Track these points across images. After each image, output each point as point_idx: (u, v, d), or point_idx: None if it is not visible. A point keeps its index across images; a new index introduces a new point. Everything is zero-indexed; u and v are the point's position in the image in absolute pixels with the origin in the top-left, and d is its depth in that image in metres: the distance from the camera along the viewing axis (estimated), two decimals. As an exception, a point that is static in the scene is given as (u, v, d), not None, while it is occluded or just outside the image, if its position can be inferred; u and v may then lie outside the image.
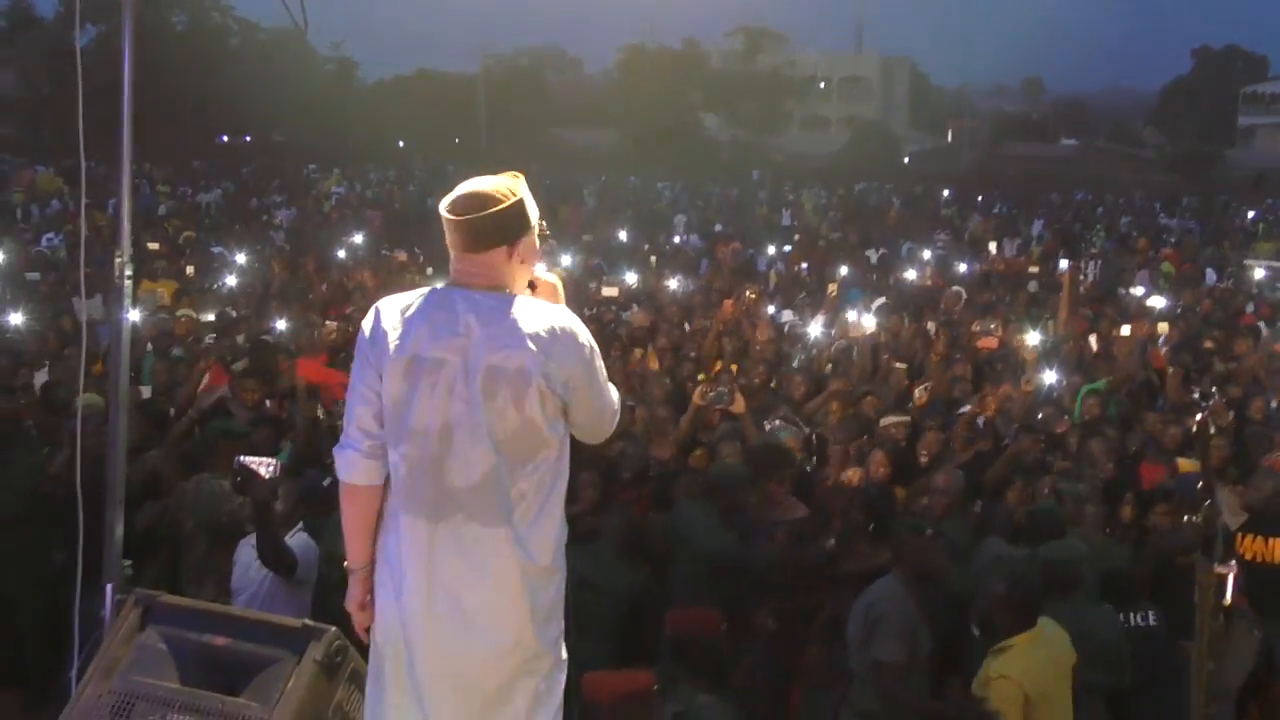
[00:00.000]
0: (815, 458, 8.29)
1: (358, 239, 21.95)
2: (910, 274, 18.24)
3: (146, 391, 9.18)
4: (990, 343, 11.93)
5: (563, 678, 3.59)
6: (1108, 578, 6.35)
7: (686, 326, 12.64)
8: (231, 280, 15.83)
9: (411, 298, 3.44)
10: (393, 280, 15.43)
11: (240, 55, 61.46)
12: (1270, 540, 6.79)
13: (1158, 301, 15.26)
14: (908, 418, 8.67)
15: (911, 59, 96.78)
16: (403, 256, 18.94)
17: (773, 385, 9.90)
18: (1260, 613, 6.19)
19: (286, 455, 7.64)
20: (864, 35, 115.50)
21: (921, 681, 5.58)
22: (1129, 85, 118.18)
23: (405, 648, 3.40)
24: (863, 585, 6.11)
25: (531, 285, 3.52)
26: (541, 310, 3.39)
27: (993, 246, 23.84)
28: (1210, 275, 20.62)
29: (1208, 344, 12.23)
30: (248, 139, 62.43)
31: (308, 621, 4.17)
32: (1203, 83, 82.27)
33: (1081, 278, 16.37)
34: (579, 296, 13.44)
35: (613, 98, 73.03)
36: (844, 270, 18.36)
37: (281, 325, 11.99)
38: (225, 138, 61.62)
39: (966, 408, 9.05)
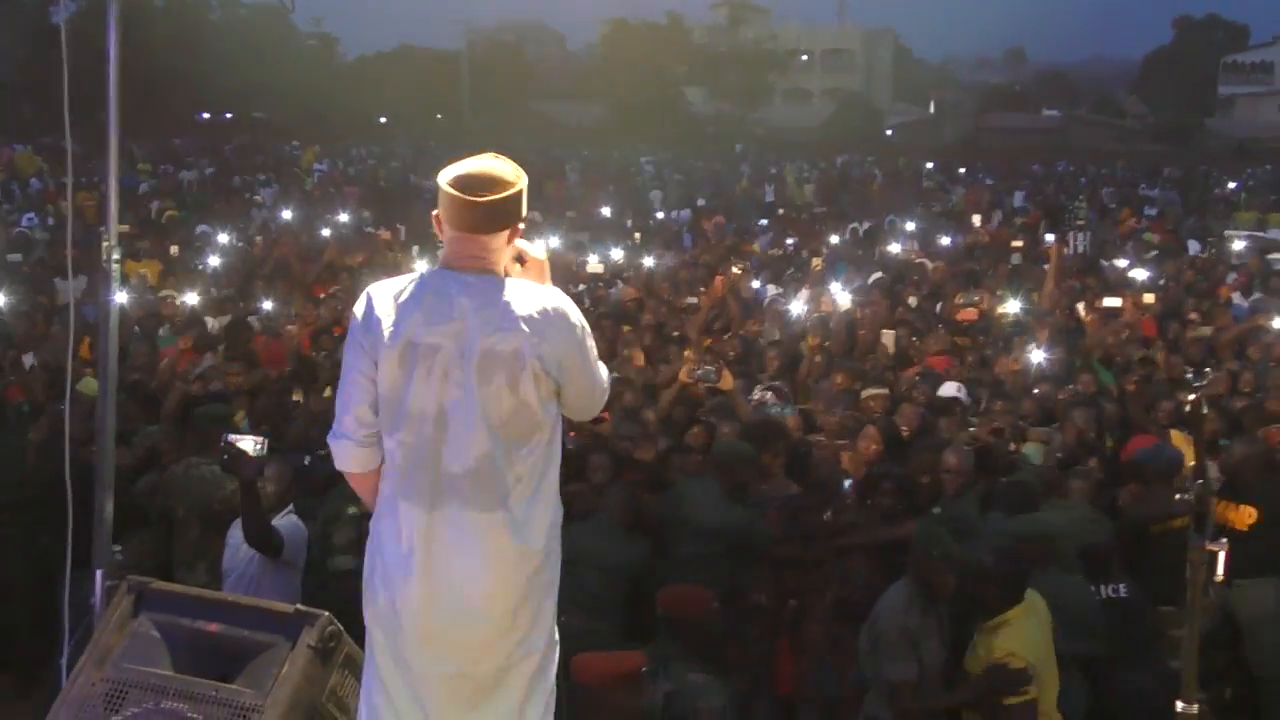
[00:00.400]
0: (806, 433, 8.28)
1: (343, 217, 21.84)
2: (895, 247, 18.23)
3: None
4: (970, 314, 11.94)
5: (555, 658, 3.61)
6: (1086, 550, 6.38)
7: (674, 302, 12.61)
8: (215, 260, 15.72)
9: (404, 283, 3.44)
10: (377, 259, 15.40)
11: (221, 31, 61.01)
12: (1240, 507, 6.84)
13: (1140, 273, 15.26)
14: (886, 390, 8.68)
15: (894, 31, 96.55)
16: (386, 234, 18.84)
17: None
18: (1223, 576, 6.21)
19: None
20: (846, 7, 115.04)
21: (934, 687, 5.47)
22: (1110, 55, 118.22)
23: (400, 633, 3.40)
24: (867, 560, 6.14)
25: (521, 261, 3.52)
26: (533, 292, 3.39)
27: (976, 219, 23.79)
28: (1193, 246, 20.62)
29: (1193, 315, 12.24)
30: (229, 116, 62.03)
31: (300, 607, 4.17)
32: (1183, 52, 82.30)
33: (1068, 250, 16.33)
34: (565, 273, 13.42)
35: (596, 72, 72.93)
36: (834, 240, 18.35)
37: (268, 305, 11.95)
38: (206, 115, 61.22)
39: (950, 384, 9.05)
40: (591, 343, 3.49)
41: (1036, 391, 9.04)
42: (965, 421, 8.10)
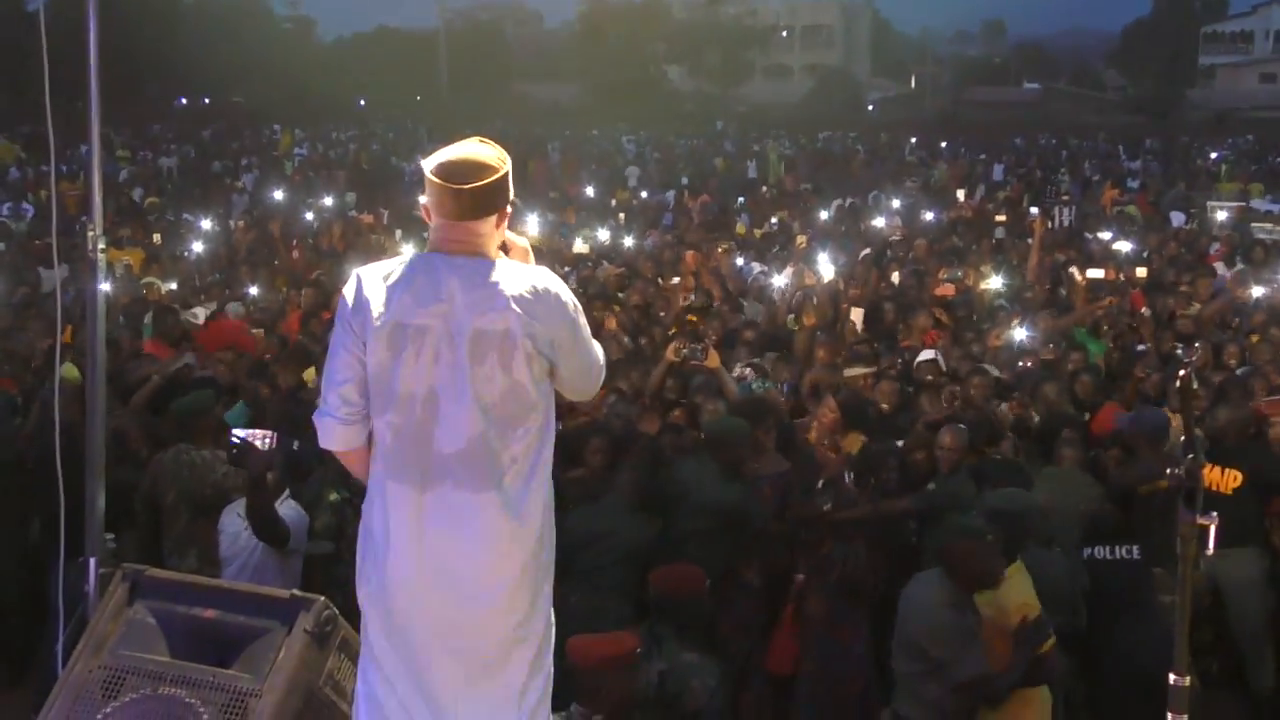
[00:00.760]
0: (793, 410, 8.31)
1: (327, 201, 21.75)
2: (879, 222, 18.25)
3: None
4: (948, 290, 11.98)
5: (553, 641, 3.61)
6: (1096, 516, 6.45)
7: (660, 282, 12.61)
8: (198, 247, 15.66)
9: (393, 265, 3.43)
10: (360, 242, 15.36)
11: (196, 14, 60.48)
12: (1226, 470, 6.90)
13: (1124, 245, 15.30)
14: (873, 369, 8.70)
15: (872, 5, 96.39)
16: (369, 218, 18.79)
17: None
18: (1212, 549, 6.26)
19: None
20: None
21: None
22: (1089, 27, 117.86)
23: (397, 616, 3.40)
24: (866, 534, 6.17)
25: (504, 248, 3.51)
26: (522, 272, 3.39)
27: (960, 194, 23.82)
28: (1176, 217, 20.66)
29: (1183, 287, 12.27)
30: (206, 101, 61.63)
31: (296, 592, 4.18)
32: (1163, 23, 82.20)
33: (1050, 225, 16.35)
34: (551, 254, 13.41)
35: (575, 51, 72.57)
36: (823, 216, 18.34)
37: (254, 291, 11.91)
38: (184, 100, 60.80)
39: (927, 352, 9.09)
40: (584, 321, 3.49)
41: (1021, 365, 9.10)
42: (941, 390, 8.14)
